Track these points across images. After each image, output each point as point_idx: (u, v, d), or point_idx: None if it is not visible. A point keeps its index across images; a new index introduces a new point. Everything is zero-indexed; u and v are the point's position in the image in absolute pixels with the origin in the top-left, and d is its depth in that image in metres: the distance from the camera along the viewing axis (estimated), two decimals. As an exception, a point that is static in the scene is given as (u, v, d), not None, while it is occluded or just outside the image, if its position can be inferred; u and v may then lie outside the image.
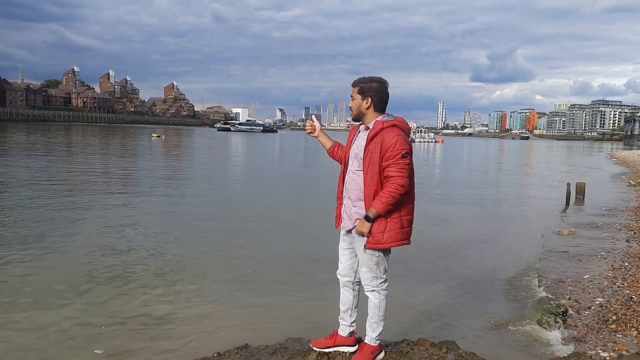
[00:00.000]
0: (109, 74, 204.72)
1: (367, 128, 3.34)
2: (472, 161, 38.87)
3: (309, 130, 3.68)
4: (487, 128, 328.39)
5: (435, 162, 35.83)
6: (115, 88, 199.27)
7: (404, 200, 3.22)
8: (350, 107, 3.39)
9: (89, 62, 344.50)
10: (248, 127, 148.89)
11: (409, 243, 3.32)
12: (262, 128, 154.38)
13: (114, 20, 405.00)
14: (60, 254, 6.89)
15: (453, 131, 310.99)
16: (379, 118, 3.30)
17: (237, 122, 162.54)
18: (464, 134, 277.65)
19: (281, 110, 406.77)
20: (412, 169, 3.24)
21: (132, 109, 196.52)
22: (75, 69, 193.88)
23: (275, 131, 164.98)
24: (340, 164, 3.55)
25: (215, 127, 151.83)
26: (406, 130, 3.30)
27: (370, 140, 3.22)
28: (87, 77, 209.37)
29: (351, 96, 3.37)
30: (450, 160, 39.26)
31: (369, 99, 3.30)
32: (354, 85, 3.36)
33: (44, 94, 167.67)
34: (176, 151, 36.84)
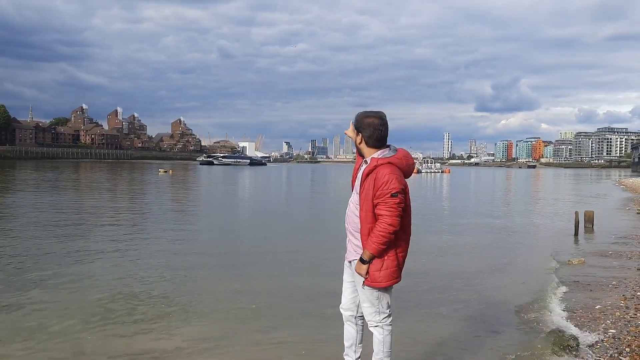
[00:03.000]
0: (117, 110, 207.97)
1: (365, 162, 3.36)
2: (479, 191, 38.75)
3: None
4: (493, 157, 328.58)
5: (442, 192, 35.75)
6: (123, 124, 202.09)
7: (400, 237, 3.22)
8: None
9: (98, 99, 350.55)
10: (233, 160, 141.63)
11: (400, 280, 3.32)
12: (249, 161, 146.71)
13: (123, 58, 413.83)
14: (66, 292, 6.87)
15: (459, 161, 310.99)
16: (376, 154, 3.28)
17: (221, 155, 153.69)
18: (470, 164, 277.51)
19: (287, 143, 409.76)
20: (408, 205, 3.25)
21: (139, 145, 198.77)
22: (84, 106, 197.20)
23: (264, 164, 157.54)
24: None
25: (197, 161, 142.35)
26: (403, 167, 3.27)
27: (365, 177, 3.23)
28: (95, 114, 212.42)
29: (352, 130, 3.41)
30: (458, 190, 39.16)
31: (361, 135, 3.32)
32: (352, 121, 3.40)
33: (53, 131, 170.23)
34: (183, 186, 37.00)
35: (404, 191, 3.20)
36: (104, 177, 46.55)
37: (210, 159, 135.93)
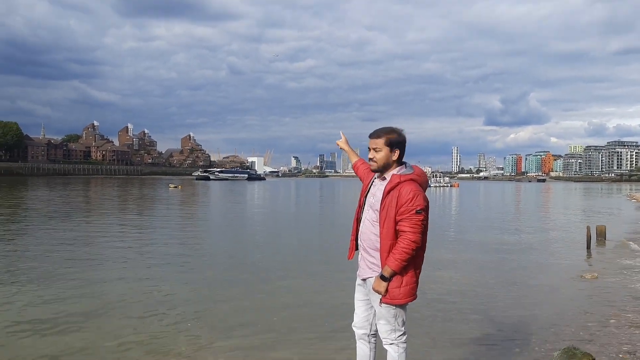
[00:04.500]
0: (127, 127, 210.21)
1: (382, 179, 3.34)
2: (489, 205, 38.52)
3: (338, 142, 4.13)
4: (502, 171, 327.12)
5: (451, 206, 35.57)
6: (133, 141, 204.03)
7: (419, 254, 3.21)
8: (373, 159, 3.32)
9: (109, 116, 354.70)
10: (231, 174, 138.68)
11: (416, 298, 3.30)
12: (247, 176, 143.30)
13: (134, 76, 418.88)
14: (77, 308, 6.87)
15: (468, 175, 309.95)
16: (396, 171, 3.28)
17: (218, 169, 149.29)
18: (479, 178, 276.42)
19: (296, 158, 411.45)
20: (427, 224, 3.23)
21: (149, 161, 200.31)
22: (95, 123, 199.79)
23: (263, 179, 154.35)
24: (360, 180, 3.69)
25: (193, 176, 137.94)
26: (424, 184, 3.29)
27: (386, 193, 3.21)
28: (106, 131, 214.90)
29: (373, 148, 3.31)
30: (467, 204, 38.96)
31: (397, 151, 3.29)
32: (377, 136, 3.31)
33: (65, 148, 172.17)
34: (193, 202, 37.11)
35: (427, 208, 3.19)
36: (115, 193, 46.84)
37: (207, 174, 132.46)
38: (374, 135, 3.34)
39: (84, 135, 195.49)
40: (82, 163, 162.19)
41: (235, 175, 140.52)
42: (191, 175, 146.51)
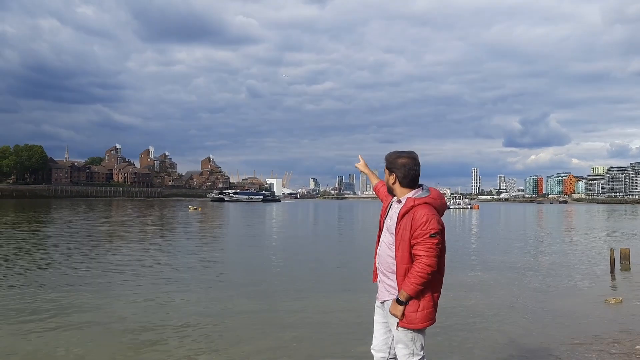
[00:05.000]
0: (148, 149, 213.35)
1: (399, 201, 3.35)
2: (510, 227, 38.01)
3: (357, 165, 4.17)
4: (523, 193, 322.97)
5: (471, 228, 35.19)
6: (154, 163, 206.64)
7: (436, 277, 3.20)
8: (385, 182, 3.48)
9: (130, 139, 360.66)
10: (245, 196, 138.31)
11: (435, 322, 3.28)
12: (262, 197, 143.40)
13: (155, 99, 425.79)
14: (95, 325, 6.95)
15: (488, 197, 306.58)
16: (411, 194, 3.28)
17: (233, 191, 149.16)
18: (499, 200, 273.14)
19: (314, 179, 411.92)
20: (444, 247, 3.23)
21: (170, 183, 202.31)
22: (117, 146, 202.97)
23: (278, 200, 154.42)
24: (382, 202, 3.70)
25: (208, 197, 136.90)
26: (440, 207, 3.28)
27: (401, 217, 3.22)
28: (128, 153, 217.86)
29: (384, 170, 3.43)
30: (487, 226, 38.49)
31: (394, 175, 3.33)
32: (384, 160, 3.43)
33: (88, 170, 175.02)
34: (212, 222, 37.32)
35: (442, 232, 3.18)
36: (136, 215, 47.32)
37: (221, 196, 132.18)
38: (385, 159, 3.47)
39: (106, 157, 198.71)
40: (104, 185, 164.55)
41: (250, 197, 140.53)
42: (206, 197, 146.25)
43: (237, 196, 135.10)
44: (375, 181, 4.00)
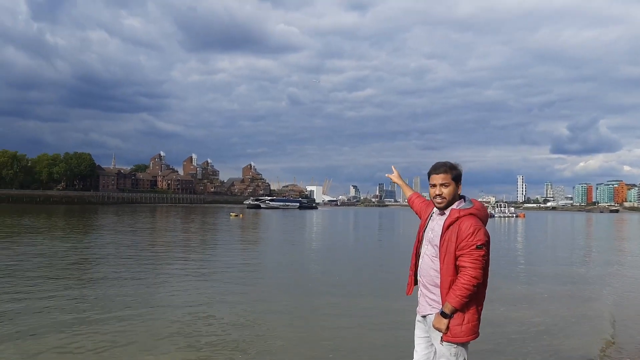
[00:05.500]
0: (191, 157, 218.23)
1: (441, 213, 3.30)
2: (557, 236, 36.85)
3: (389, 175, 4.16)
4: (571, 201, 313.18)
5: (517, 238, 34.28)
6: (197, 170, 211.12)
7: (480, 290, 3.13)
8: (440, 195, 3.27)
9: (174, 146, 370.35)
10: (282, 203, 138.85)
11: (478, 336, 3.19)
12: (298, 204, 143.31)
13: (198, 108, 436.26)
14: (139, 333, 7.07)
15: (535, 205, 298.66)
16: (455, 205, 3.26)
17: (269, 198, 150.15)
18: (547, 208, 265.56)
19: (355, 187, 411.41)
20: (489, 259, 3.15)
21: (212, 190, 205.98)
22: (162, 153, 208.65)
23: (315, 207, 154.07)
24: (417, 214, 3.66)
25: (245, 204, 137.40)
26: (484, 218, 3.23)
27: (446, 228, 3.17)
28: (172, 160, 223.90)
29: (441, 184, 3.27)
30: (534, 235, 37.42)
31: (460, 185, 3.32)
32: (444, 171, 3.28)
33: (133, 177, 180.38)
34: (253, 229, 37.73)
35: (488, 243, 3.12)
36: (179, 222, 48.32)
37: (257, 202, 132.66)
38: (441, 170, 3.30)
39: (151, 165, 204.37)
40: (149, 192, 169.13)
41: (287, 203, 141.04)
42: (242, 203, 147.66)
43: (273, 203, 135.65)
44: (409, 193, 3.96)
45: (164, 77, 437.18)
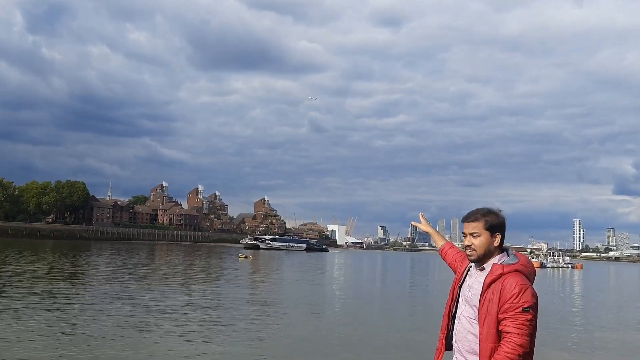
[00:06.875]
0: (197, 189, 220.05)
1: (481, 269, 3.22)
2: (622, 294, 35.93)
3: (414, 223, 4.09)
4: (638, 251, 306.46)
5: (573, 293, 33.54)
6: (203, 204, 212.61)
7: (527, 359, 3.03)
8: (471, 246, 3.22)
9: (179, 176, 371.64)
10: (285, 244, 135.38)
11: None
12: (305, 245, 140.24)
13: (207, 133, 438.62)
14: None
15: (594, 255, 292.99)
16: (497, 259, 3.16)
17: (270, 237, 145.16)
18: (608, 258, 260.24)
19: (383, 227, 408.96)
20: (536, 325, 3.06)
21: (219, 227, 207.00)
22: (164, 184, 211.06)
23: (326, 250, 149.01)
24: (451, 268, 3.59)
25: (241, 244, 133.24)
26: (531, 275, 3.14)
27: (486, 287, 3.07)
28: (175, 192, 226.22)
29: (470, 233, 3.24)
30: (593, 291, 36.57)
31: (499, 236, 3.19)
32: (474, 219, 3.24)
33: (131, 210, 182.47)
34: (265, 275, 37.62)
35: (536, 306, 3.00)
36: (181, 263, 48.51)
37: (256, 242, 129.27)
38: (470, 218, 3.24)
39: (151, 196, 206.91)
40: (148, 227, 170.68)
41: (291, 244, 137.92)
42: (239, 243, 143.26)
43: (274, 243, 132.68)
44: (440, 242, 3.88)
45: (170, 97, 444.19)
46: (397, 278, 44.15)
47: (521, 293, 2.97)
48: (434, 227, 4.13)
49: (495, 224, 3.18)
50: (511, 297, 2.97)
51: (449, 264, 3.65)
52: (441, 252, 3.81)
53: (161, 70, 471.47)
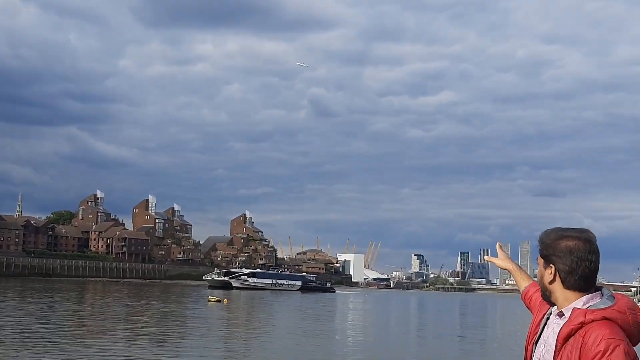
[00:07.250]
0: (147, 201, 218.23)
1: (560, 314, 3.26)
2: None
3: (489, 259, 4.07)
4: None
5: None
6: (156, 223, 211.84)
7: None
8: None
9: (120, 183, 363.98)
10: (270, 280, 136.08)
11: None
12: (300, 283, 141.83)
13: (161, 119, 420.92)
14: None
15: None
16: (580, 302, 3.12)
17: (247, 271, 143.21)
18: None
19: (419, 256, 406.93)
20: None
21: (179, 256, 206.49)
22: (98, 194, 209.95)
23: (331, 290, 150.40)
24: (532, 314, 3.64)
25: (205, 280, 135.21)
26: (628, 326, 3.07)
27: (563, 340, 3.07)
28: (114, 206, 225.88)
29: (537, 259, 3.29)
30: None
31: (553, 269, 3.18)
32: (539, 241, 3.30)
33: (50, 233, 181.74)
34: (245, 331, 37.65)
35: None
36: (122, 314, 48.63)
37: (227, 279, 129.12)
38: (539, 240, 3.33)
39: (80, 213, 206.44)
40: (76, 257, 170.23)
41: (279, 282, 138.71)
42: (201, 279, 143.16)
43: (254, 280, 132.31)
44: (524, 283, 3.91)
45: (108, 67, 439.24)
46: (443, 340, 43.82)
47: (608, 351, 2.94)
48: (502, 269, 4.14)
49: (546, 252, 3.21)
50: (595, 357, 2.96)
51: (531, 311, 3.66)
52: (524, 297, 3.86)
53: (93, 29, 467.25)
